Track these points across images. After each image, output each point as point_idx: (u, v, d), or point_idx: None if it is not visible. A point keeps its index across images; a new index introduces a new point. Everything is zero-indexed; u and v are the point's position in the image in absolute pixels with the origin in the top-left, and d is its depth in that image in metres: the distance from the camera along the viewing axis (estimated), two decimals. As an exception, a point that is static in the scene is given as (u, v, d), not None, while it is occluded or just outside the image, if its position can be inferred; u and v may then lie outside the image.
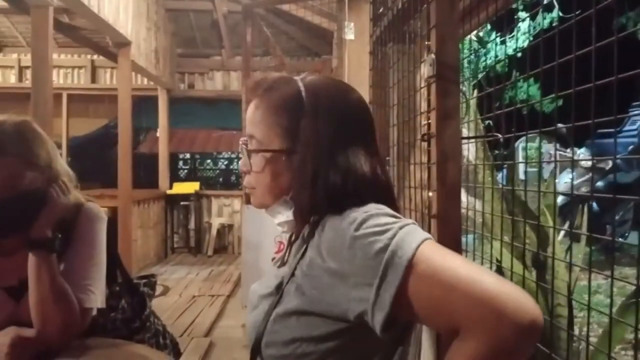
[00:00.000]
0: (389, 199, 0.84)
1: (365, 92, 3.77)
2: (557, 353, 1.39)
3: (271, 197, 0.89)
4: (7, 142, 1.17)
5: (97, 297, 1.31)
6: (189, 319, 4.24)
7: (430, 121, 1.41)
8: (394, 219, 0.74)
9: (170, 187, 7.78)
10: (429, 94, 1.44)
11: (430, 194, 1.48)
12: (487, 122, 1.94)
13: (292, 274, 0.82)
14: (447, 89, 1.17)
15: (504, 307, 0.63)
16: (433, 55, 1.16)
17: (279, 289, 0.83)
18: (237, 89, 7.54)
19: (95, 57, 7.68)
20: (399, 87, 1.82)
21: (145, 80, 7.36)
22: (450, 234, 1.18)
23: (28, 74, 7.88)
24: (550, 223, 1.89)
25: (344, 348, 0.76)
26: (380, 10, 1.91)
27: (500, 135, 1.33)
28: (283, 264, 0.92)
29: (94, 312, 1.31)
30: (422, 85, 1.62)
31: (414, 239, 0.70)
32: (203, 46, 8.11)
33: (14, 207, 1.19)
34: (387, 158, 2.02)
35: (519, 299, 0.64)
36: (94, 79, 7.99)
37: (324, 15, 6.16)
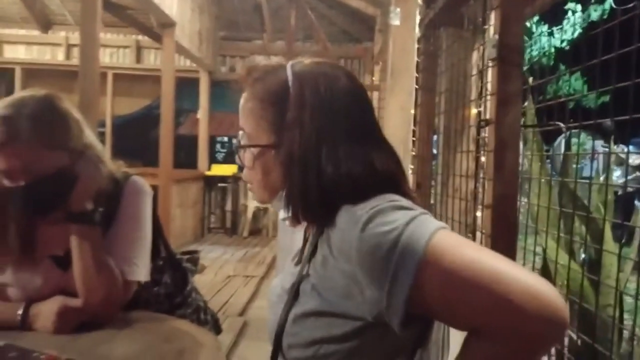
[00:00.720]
0: (398, 188, 0.79)
1: (410, 78, 3.70)
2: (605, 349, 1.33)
3: (267, 193, 0.87)
4: (25, 126, 1.15)
5: (141, 270, 1.32)
6: (224, 298, 4.30)
7: (480, 108, 1.36)
8: (402, 213, 0.69)
9: (209, 169, 7.88)
10: (481, 79, 1.38)
11: (480, 184, 1.43)
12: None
13: (307, 274, 0.80)
14: (509, 72, 1.11)
15: (527, 306, 0.59)
16: (497, 36, 1.11)
17: (295, 289, 0.81)
18: (278, 73, 7.54)
19: (140, 37, 7.81)
20: (449, 73, 1.76)
21: (188, 62, 7.43)
22: (505, 225, 1.13)
23: (75, 52, 8.08)
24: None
25: (367, 346, 0.74)
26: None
27: (562, 125, 1.26)
28: (300, 260, 0.89)
29: (137, 286, 1.33)
30: (476, 71, 1.56)
31: (422, 234, 0.65)
32: (245, 29, 8.13)
33: (46, 187, 1.19)
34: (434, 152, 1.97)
35: (542, 296, 0.59)
36: (138, 59, 8.14)
37: (367, 0, 6.07)
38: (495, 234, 1.13)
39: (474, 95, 1.61)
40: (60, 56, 8.15)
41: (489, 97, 1.32)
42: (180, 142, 7.91)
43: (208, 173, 7.82)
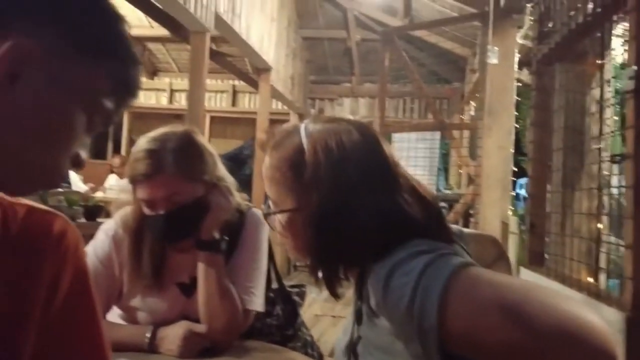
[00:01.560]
0: (426, 231, 0.75)
1: (509, 117, 3.62)
2: None
3: (301, 255, 0.86)
4: (170, 160, 1.24)
5: (258, 300, 1.36)
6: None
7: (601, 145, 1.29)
8: (419, 259, 0.66)
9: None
10: (601, 114, 1.32)
11: (600, 225, 1.35)
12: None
13: (359, 336, 0.78)
14: (647, 105, 1.05)
15: (568, 339, 0.53)
16: (634, 67, 1.06)
17: (352, 351, 0.79)
18: (365, 115, 7.66)
19: (236, 82, 8.28)
20: (566, 109, 1.70)
21: (279, 105, 7.75)
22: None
23: (177, 96, 8.71)
24: None
25: None
26: (548, 28, 1.81)
27: None
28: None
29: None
30: (596, 107, 1.49)
31: (438, 278, 0.61)
32: (334, 73, 8.39)
33: (182, 216, 1.26)
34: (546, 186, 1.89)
35: (589, 328, 0.53)
36: (234, 103, 8.62)
37: (457, 41, 6.07)
38: (638, 275, 1.05)
39: (594, 131, 1.54)
40: (164, 100, 8.81)
41: (616, 132, 1.25)
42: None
43: (295, 212, 7.96)
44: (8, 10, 0.51)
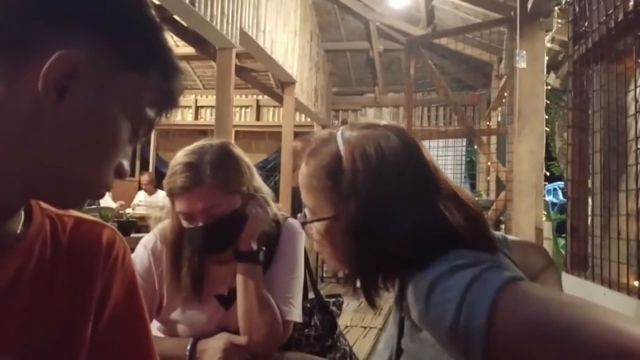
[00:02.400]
0: (469, 241, 0.71)
1: (540, 121, 3.56)
2: None
3: (339, 263, 0.83)
4: (208, 173, 1.24)
5: (297, 311, 1.34)
6: (344, 349, 4.23)
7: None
8: (463, 274, 0.62)
9: (322, 219, 8.02)
10: None
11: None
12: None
13: (401, 349, 0.75)
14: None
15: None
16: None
17: None
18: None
19: (260, 97, 8.36)
20: (605, 110, 1.66)
21: (303, 117, 7.79)
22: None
23: (203, 112, 8.84)
24: None
25: None
26: (584, 28, 1.78)
27: None
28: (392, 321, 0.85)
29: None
30: (634, 109, 1.45)
31: (484, 296, 0.58)
32: (357, 84, 8.40)
33: (221, 228, 1.26)
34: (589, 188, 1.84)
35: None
36: (258, 117, 8.70)
37: (482, 47, 6.02)
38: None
39: (634, 131, 1.49)
40: (189, 117, 8.95)
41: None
42: (294, 193, 8.20)
43: (322, 224, 7.95)
44: (53, 20, 0.51)
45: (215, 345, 1.25)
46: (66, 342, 0.62)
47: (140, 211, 6.04)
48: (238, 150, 1.36)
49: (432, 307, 0.64)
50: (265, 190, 1.39)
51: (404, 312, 0.75)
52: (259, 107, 8.74)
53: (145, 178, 6.98)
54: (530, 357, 0.56)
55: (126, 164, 0.60)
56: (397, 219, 0.73)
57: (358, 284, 0.78)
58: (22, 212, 0.60)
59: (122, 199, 6.19)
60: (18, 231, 0.59)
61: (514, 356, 0.57)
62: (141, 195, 6.76)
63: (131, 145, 0.60)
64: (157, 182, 6.78)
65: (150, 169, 8.65)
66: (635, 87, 1.60)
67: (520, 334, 0.56)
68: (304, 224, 0.86)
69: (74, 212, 0.68)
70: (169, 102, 0.61)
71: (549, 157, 4.83)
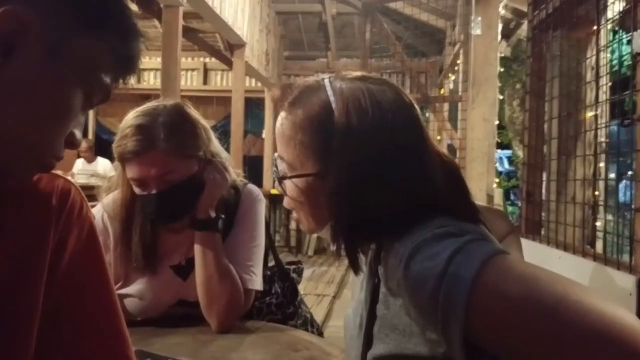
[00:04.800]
0: (453, 209, 0.69)
1: (493, 89, 3.61)
2: None
3: (315, 223, 0.78)
4: (162, 135, 1.15)
5: (258, 279, 1.30)
6: (298, 316, 4.26)
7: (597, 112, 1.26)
8: (447, 242, 0.60)
9: (274, 187, 7.96)
10: (597, 81, 1.29)
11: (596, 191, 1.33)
12: None
13: (375, 315, 0.72)
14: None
15: (610, 352, 0.48)
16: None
17: (367, 332, 0.73)
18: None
19: (207, 59, 8.06)
20: (564, 77, 1.67)
21: (253, 82, 7.60)
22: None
23: (145, 75, 8.45)
24: None
25: None
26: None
27: None
28: (362, 287, 0.81)
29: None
30: (591, 73, 1.46)
31: (469, 266, 0.56)
32: (309, 48, 8.26)
33: (176, 195, 1.19)
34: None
35: (633, 339, 0.48)
36: (205, 81, 8.40)
37: (436, 13, 6.01)
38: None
39: (589, 99, 1.51)
40: (131, 80, 8.54)
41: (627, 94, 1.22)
42: (244, 162, 8.08)
43: (273, 192, 7.90)
44: None
45: None
46: (17, 293, 0.58)
47: (80, 180, 5.76)
48: (193, 112, 1.27)
49: (412, 274, 0.60)
50: (224, 156, 1.31)
51: (378, 277, 0.71)
52: (206, 71, 8.43)
53: (83, 145, 6.59)
54: (511, 332, 0.54)
55: (78, 133, 0.57)
56: (388, 180, 0.69)
57: (336, 241, 0.73)
58: None
59: (60, 168, 5.85)
60: None
61: (493, 330, 0.55)
62: (80, 164, 6.41)
63: (84, 113, 0.57)
64: (96, 149, 6.46)
65: (90, 135, 8.24)
66: (592, 54, 1.62)
67: (503, 308, 0.54)
68: (280, 179, 0.78)
69: None
70: (126, 67, 0.58)
71: (498, 125, 4.94)
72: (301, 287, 5.21)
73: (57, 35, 0.50)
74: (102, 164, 6.22)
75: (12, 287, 0.57)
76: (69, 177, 0.68)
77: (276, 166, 0.79)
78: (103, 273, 0.68)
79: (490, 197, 3.27)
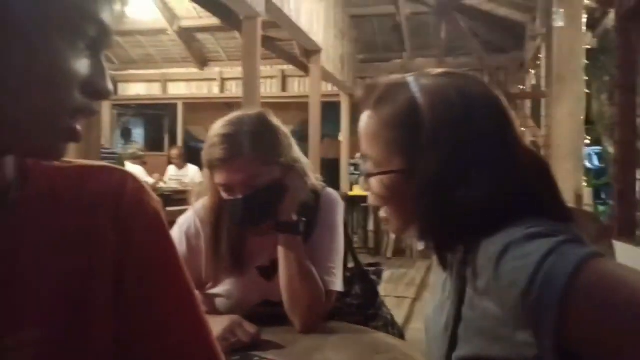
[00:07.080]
0: (543, 209, 0.66)
1: (579, 83, 3.42)
2: None
3: (403, 223, 0.77)
4: (247, 143, 1.22)
5: (338, 281, 1.34)
6: (378, 319, 4.25)
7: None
8: (539, 242, 0.57)
9: (351, 190, 8.00)
10: None
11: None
12: None
13: (460, 317, 0.71)
14: None
15: None
16: None
17: (451, 333, 0.72)
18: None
19: (285, 67, 8.27)
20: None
21: (329, 87, 7.69)
22: None
23: (228, 85, 8.82)
24: None
25: None
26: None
27: None
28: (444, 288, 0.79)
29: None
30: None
31: (563, 267, 0.54)
32: (384, 50, 8.23)
33: (261, 200, 1.25)
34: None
35: None
36: (284, 88, 8.63)
37: (514, 7, 5.79)
38: None
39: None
40: (215, 90, 8.94)
41: None
42: (322, 165, 8.18)
43: (350, 194, 7.93)
44: None
45: (220, 321, 1.22)
46: (84, 309, 0.55)
47: (172, 185, 6.18)
48: (275, 120, 1.33)
49: (503, 273, 0.60)
50: (304, 161, 1.37)
51: (466, 278, 0.70)
52: (284, 78, 8.66)
53: (174, 152, 7.06)
54: (613, 338, 0.53)
55: (100, 77, 0.50)
56: (479, 177, 0.68)
57: (424, 240, 0.74)
58: (16, 177, 0.53)
59: (155, 174, 6.33)
60: (11, 195, 0.53)
61: (588, 337, 0.54)
62: (172, 170, 6.88)
63: (91, 50, 0.49)
64: (186, 156, 6.86)
65: (179, 142, 8.73)
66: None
67: (598, 315, 0.53)
68: (368, 176, 0.79)
69: (78, 161, 0.60)
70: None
71: (586, 121, 4.66)
72: (381, 289, 5.18)
73: None
74: (192, 170, 6.62)
75: (76, 298, 0.55)
76: (140, 175, 0.64)
77: (364, 166, 0.81)
78: (174, 258, 0.63)
79: (578, 197, 3.10)
